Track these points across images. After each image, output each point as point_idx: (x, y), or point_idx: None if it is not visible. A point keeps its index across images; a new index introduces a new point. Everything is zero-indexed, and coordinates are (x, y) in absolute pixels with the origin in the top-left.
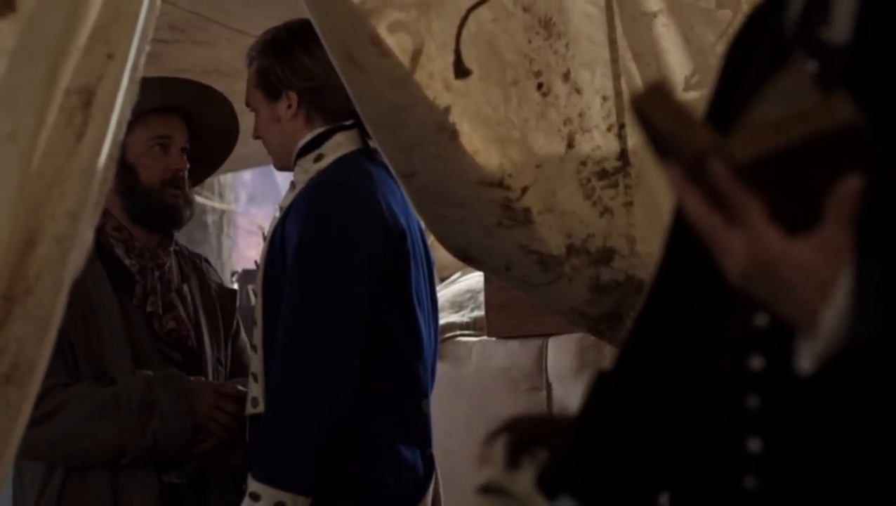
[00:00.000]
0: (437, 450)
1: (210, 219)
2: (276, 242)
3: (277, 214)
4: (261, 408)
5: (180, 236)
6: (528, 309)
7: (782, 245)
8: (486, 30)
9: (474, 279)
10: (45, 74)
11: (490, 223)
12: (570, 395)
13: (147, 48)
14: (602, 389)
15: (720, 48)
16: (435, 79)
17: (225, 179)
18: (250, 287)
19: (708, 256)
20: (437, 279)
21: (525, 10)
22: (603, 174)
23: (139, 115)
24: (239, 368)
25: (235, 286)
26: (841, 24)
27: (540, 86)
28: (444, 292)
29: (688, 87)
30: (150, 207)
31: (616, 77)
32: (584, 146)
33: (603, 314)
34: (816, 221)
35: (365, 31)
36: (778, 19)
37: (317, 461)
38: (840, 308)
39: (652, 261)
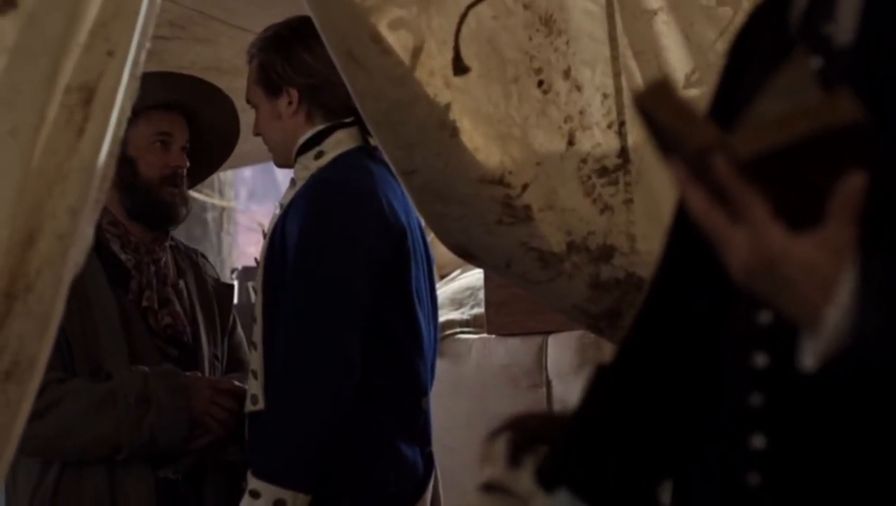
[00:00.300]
0: (436, 448)
1: (210, 216)
2: (277, 239)
3: (278, 211)
4: (260, 405)
5: (180, 233)
6: (529, 306)
7: (785, 242)
8: (487, 27)
9: (474, 276)
10: (45, 71)
11: (490, 220)
12: (570, 392)
13: (147, 45)
14: (602, 383)
15: (720, 45)
16: (435, 76)
17: (225, 175)
18: (250, 284)
19: (710, 252)
20: (436, 277)
21: (525, 7)
22: (603, 172)
23: (142, 109)
24: (235, 364)
25: (235, 283)
26: (846, 21)
27: (540, 83)
28: (444, 290)
29: (688, 85)
30: (147, 203)
31: (616, 74)
32: (585, 144)
33: (603, 312)
34: (819, 218)
35: (366, 28)
36: (782, 15)
37: (317, 459)
38: (843, 306)
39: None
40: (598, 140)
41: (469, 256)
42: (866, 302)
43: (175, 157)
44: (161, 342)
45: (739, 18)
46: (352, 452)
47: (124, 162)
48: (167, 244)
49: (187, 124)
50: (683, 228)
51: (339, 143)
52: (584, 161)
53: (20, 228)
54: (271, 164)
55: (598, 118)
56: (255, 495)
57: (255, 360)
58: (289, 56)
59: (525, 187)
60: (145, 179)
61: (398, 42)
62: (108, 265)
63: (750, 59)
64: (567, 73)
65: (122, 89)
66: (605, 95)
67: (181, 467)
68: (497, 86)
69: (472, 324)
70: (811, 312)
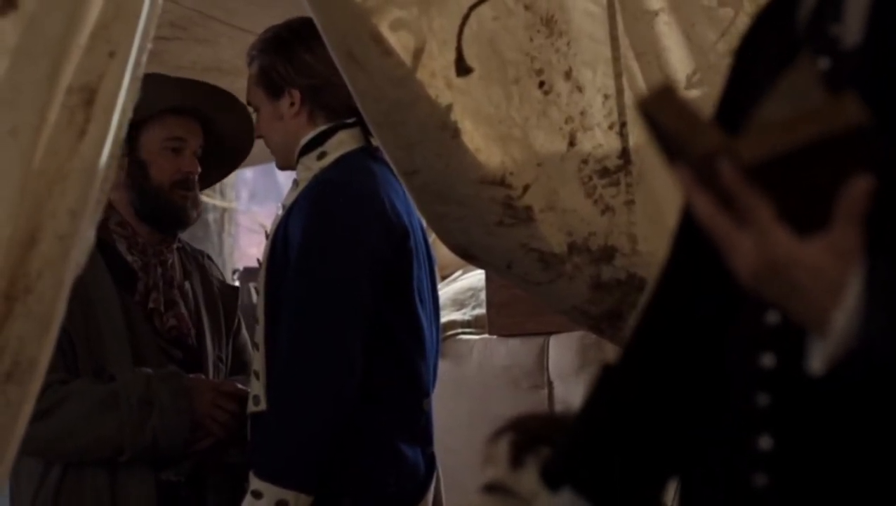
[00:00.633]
0: (438, 448)
1: (211, 217)
2: (279, 240)
3: (280, 212)
4: (262, 406)
5: (182, 234)
6: (530, 307)
7: (791, 246)
8: (488, 28)
9: (475, 277)
10: (46, 72)
11: (491, 221)
12: (571, 393)
13: (149, 46)
14: (607, 383)
15: (721, 46)
16: (436, 77)
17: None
18: (252, 285)
19: (716, 255)
20: (438, 277)
21: (526, 8)
22: (604, 172)
23: (157, 113)
24: (239, 366)
25: (237, 284)
26: (853, 22)
27: (541, 84)
28: (446, 290)
29: (689, 86)
30: (157, 206)
31: (617, 75)
32: (586, 144)
33: (604, 313)
34: (826, 221)
35: (367, 29)
36: (789, 16)
37: (319, 459)
38: (850, 309)
39: (653, 259)
40: (600, 141)
41: (470, 257)
42: (872, 305)
43: (187, 162)
44: (165, 344)
45: (741, 19)
46: (352, 452)
47: (136, 164)
48: (175, 246)
49: (202, 130)
50: (689, 231)
51: (342, 143)
52: (585, 162)
53: (21, 229)
54: (272, 165)
55: (599, 119)
56: (257, 495)
57: (257, 360)
58: (290, 57)
59: (526, 188)
60: (156, 183)
61: (399, 43)
62: (114, 267)
63: (756, 61)
64: (568, 74)
65: (123, 91)
66: (606, 96)
67: (183, 469)
68: (498, 87)
69: (474, 325)
70: (818, 315)
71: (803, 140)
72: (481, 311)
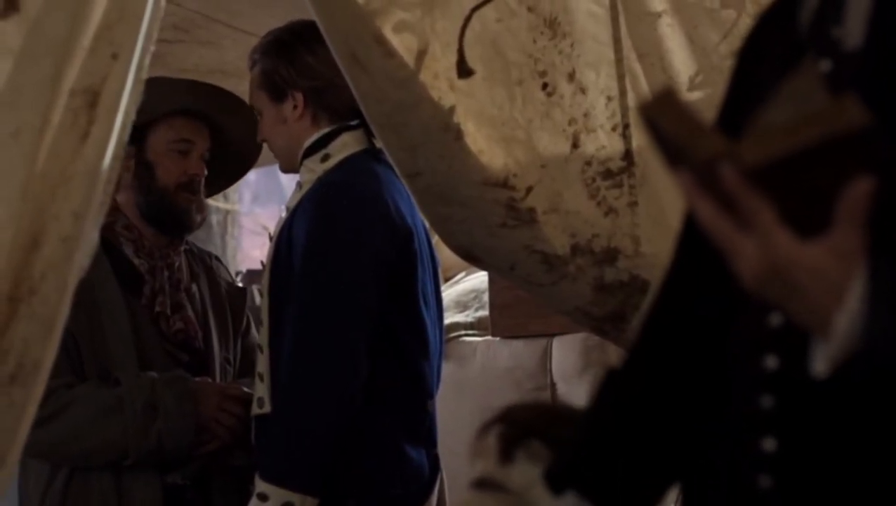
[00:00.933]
0: (441, 450)
1: (214, 219)
2: (283, 243)
3: (284, 215)
4: (267, 408)
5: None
6: (533, 309)
7: (793, 248)
8: (491, 29)
9: (479, 279)
10: (49, 74)
11: (494, 223)
12: (574, 394)
13: (152, 48)
14: (611, 385)
15: (724, 48)
16: (440, 79)
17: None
18: (255, 287)
19: (719, 259)
20: (441, 279)
21: (529, 9)
22: (608, 174)
23: (165, 115)
24: (248, 366)
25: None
26: (855, 24)
27: (545, 86)
28: (449, 292)
29: (692, 88)
30: (162, 208)
31: (621, 77)
32: (589, 146)
33: (607, 314)
34: (827, 223)
35: (369, 31)
36: (791, 19)
37: (325, 461)
38: (853, 311)
39: (657, 261)
40: (603, 143)
41: (473, 259)
42: (875, 307)
43: (193, 164)
44: (172, 347)
45: (743, 21)
46: (357, 454)
47: (143, 166)
48: (182, 248)
49: (210, 134)
50: (692, 234)
51: (345, 145)
52: (588, 164)
53: (24, 232)
54: (275, 167)
55: (602, 121)
56: (263, 498)
57: (261, 363)
58: (292, 59)
59: (529, 190)
60: (161, 185)
61: (402, 45)
62: (120, 270)
63: (759, 62)
64: (571, 76)
65: (126, 93)
66: (609, 98)
67: (188, 472)
68: (501, 88)
69: (477, 326)
70: (821, 317)
71: (804, 143)
72: (484, 312)
